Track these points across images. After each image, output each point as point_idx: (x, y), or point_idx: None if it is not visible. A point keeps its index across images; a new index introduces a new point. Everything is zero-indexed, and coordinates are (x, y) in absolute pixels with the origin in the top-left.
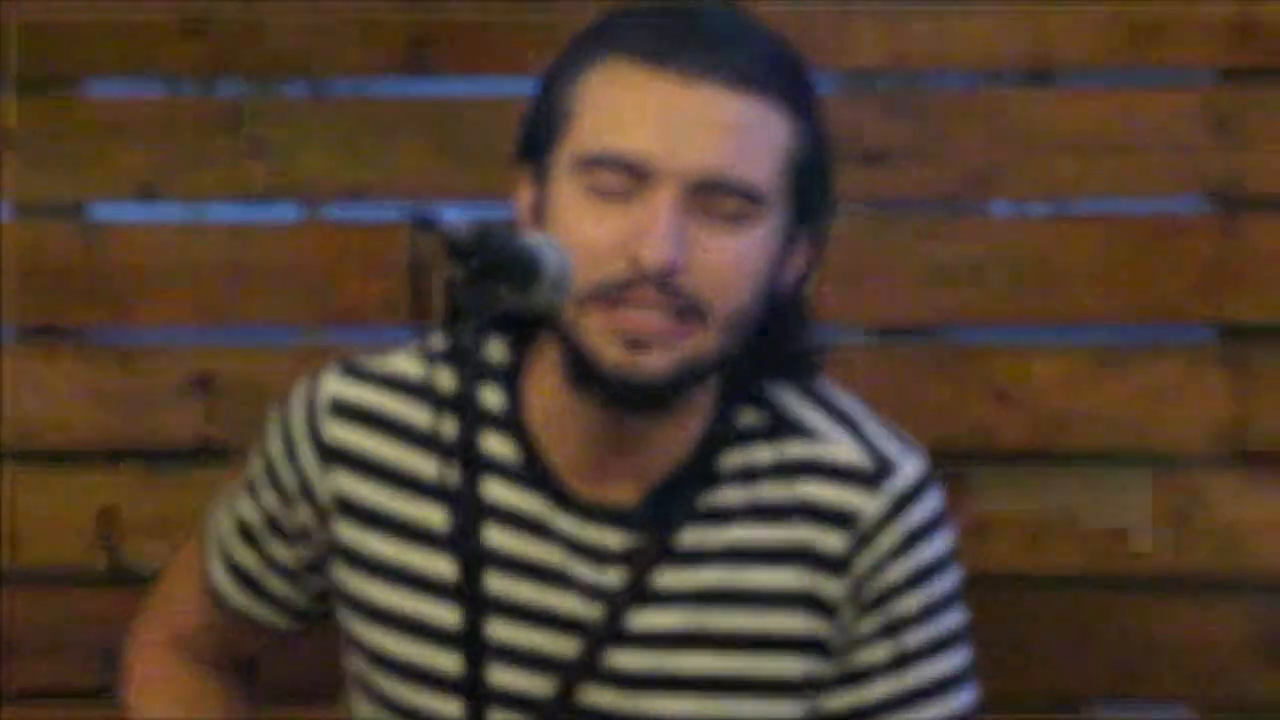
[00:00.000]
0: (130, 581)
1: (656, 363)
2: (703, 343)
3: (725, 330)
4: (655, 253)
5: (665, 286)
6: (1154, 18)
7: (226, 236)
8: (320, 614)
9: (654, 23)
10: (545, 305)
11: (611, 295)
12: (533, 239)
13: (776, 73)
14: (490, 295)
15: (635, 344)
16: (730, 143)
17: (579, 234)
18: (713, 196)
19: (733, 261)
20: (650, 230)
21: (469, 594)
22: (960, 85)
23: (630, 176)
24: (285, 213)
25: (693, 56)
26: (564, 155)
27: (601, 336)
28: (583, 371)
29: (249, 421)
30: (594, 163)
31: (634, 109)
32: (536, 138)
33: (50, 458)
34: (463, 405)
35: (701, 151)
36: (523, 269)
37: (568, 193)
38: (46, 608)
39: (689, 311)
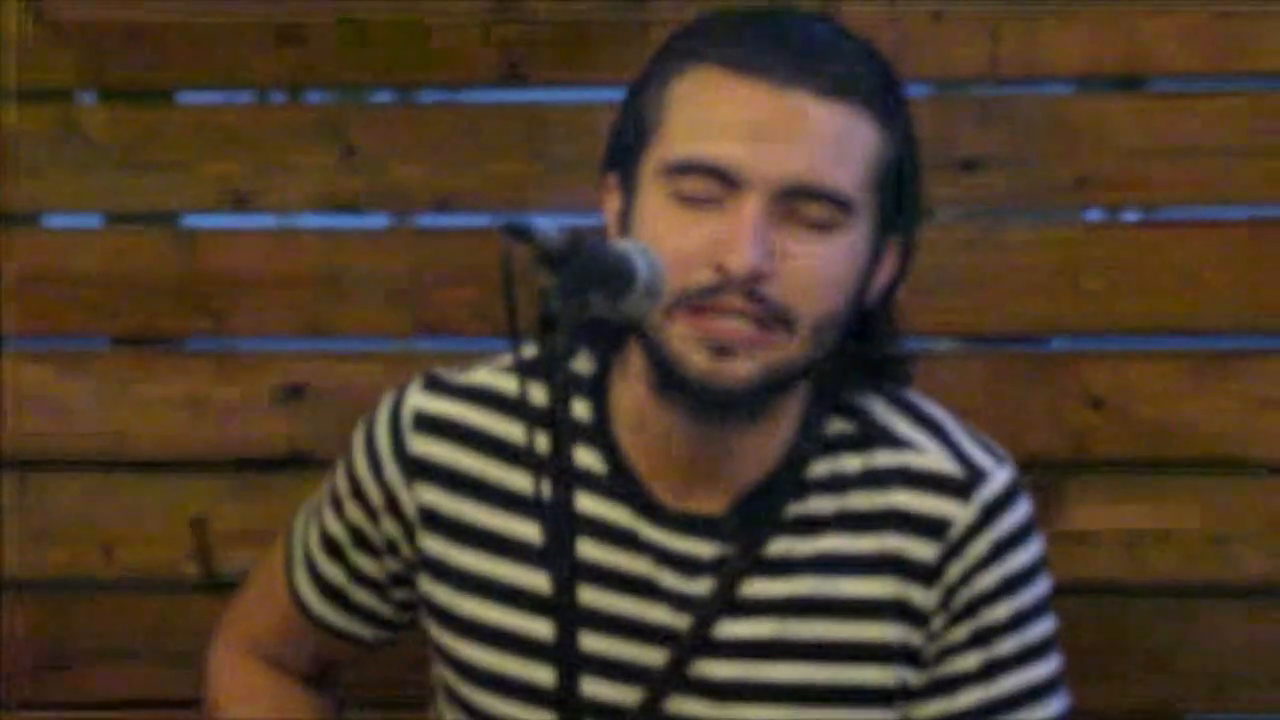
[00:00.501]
0: (223, 589)
1: (741, 369)
2: (789, 350)
3: (812, 338)
4: (742, 260)
5: (752, 294)
6: (1247, 24)
7: (318, 245)
8: (406, 624)
9: (743, 31)
10: (637, 313)
11: (697, 302)
12: (625, 246)
13: (866, 81)
14: (583, 304)
15: (721, 350)
16: (818, 150)
17: (665, 241)
18: (800, 203)
19: (820, 269)
20: (737, 237)
21: (563, 608)
22: (1054, 93)
23: (718, 183)
24: (376, 221)
25: (782, 64)
26: (651, 162)
27: (686, 343)
28: (668, 379)
29: (340, 430)
30: (681, 169)
31: (722, 116)
32: (624, 146)
33: (144, 465)
34: (555, 417)
35: (789, 158)
36: (616, 277)
37: (654, 200)
38: (140, 615)
39: (775, 319)
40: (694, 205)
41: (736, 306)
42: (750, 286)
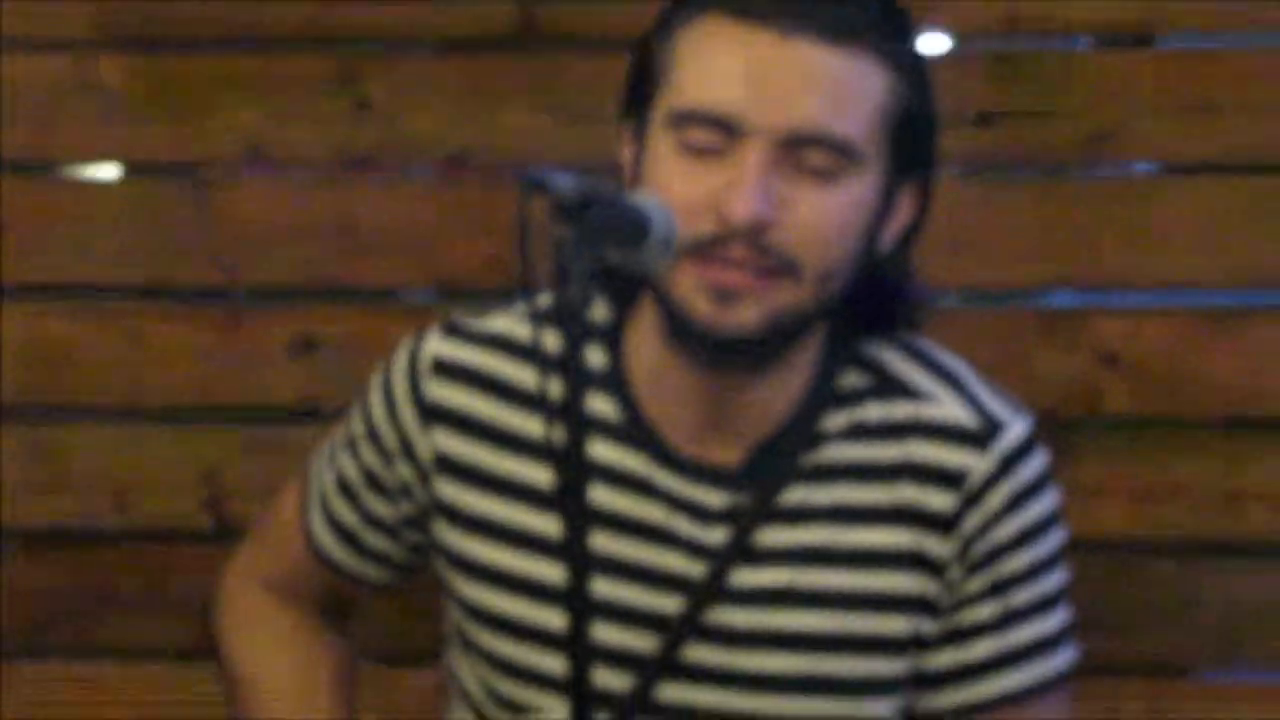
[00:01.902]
0: (235, 540)
1: (745, 315)
2: (793, 296)
3: (818, 286)
4: (743, 209)
5: (755, 243)
6: None
7: (332, 197)
8: (417, 567)
9: None
10: (650, 265)
11: (702, 251)
12: (640, 199)
13: (874, 26)
14: (597, 255)
15: (724, 297)
16: (822, 96)
17: (671, 190)
18: (804, 151)
19: (824, 217)
20: (738, 186)
21: (574, 552)
22: (1071, 48)
23: (721, 133)
24: (392, 174)
25: (786, 10)
26: (659, 112)
27: (691, 290)
28: (676, 326)
29: (353, 382)
30: (686, 119)
31: (726, 65)
32: (636, 96)
33: (157, 416)
34: (568, 365)
35: (792, 106)
36: (630, 229)
37: (662, 150)
38: (152, 565)
39: (779, 268)
40: (699, 155)
41: (739, 255)
42: (753, 236)
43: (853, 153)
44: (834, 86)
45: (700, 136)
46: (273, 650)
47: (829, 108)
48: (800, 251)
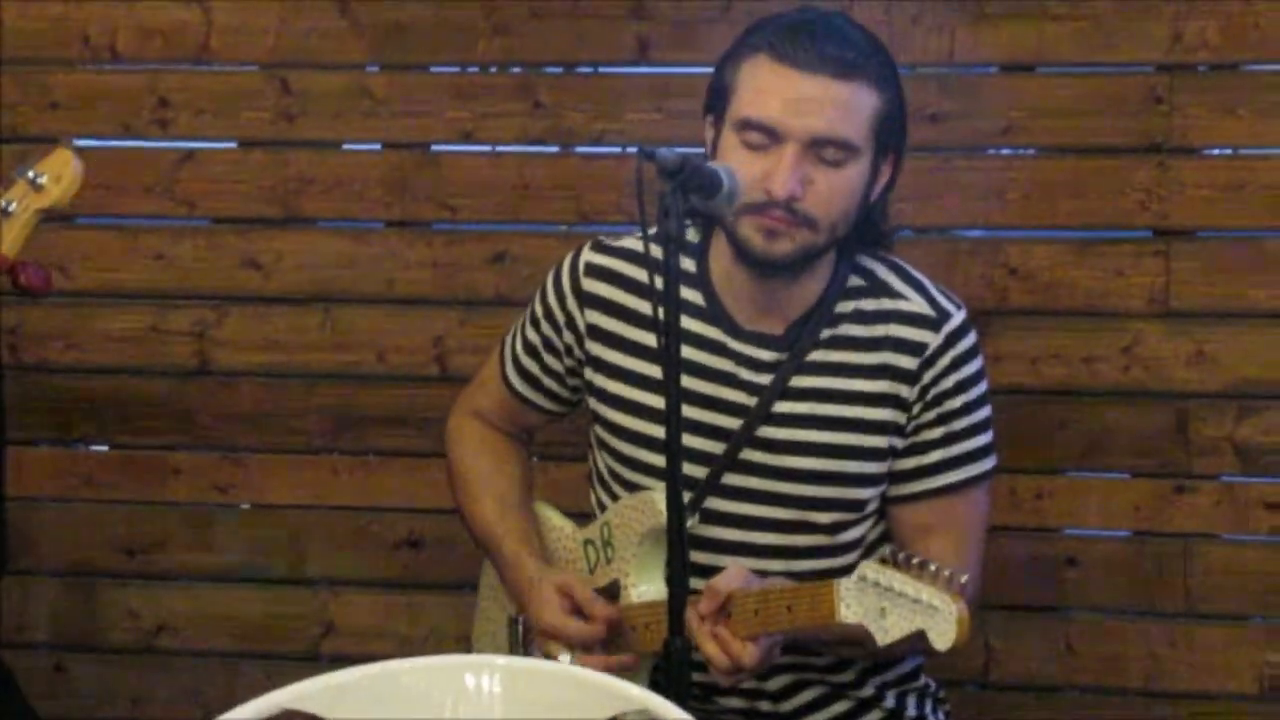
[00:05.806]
0: (452, 382)
1: (783, 248)
2: (813, 238)
3: (828, 231)
4: (781, 189)
5: (788, 209)
6: (1111, 24)
7: (516, 164)
8: (574, 402)
9: (785, 29)
10: (721, 209)
11: (755, 210)
12: (716, 166)
13: (867, 62)
14: (687, 201)
15: (771, 235)
16: (832, 113)
17: (737, 170)
18: (822, 148)
19: (834, 190)
20: (779, 173)
21: (671, 389)
22: (986, 73)
23: (768, 136)
24: (553, 150)
25: (809, 56)
26: (729, 117)
27: (750, 231)
28: (740, 253)
29: (529, 283)
30: (746, 125)
31: (771, 91)
32: (714, 101)
33: (404, 301)
34: (669, 270)
35: (814, 120)
36: (709, 185)
37: (730, 142)
38: (399, 397)
39: (804, 222)
40: (753, 148)
41: (779, 216)
42: (787, 205)
43: (853, 148)
44: (840, 106)
45: (754, 138)
46: (480, 456)
47: (838, 120)
48: (819, 212)
